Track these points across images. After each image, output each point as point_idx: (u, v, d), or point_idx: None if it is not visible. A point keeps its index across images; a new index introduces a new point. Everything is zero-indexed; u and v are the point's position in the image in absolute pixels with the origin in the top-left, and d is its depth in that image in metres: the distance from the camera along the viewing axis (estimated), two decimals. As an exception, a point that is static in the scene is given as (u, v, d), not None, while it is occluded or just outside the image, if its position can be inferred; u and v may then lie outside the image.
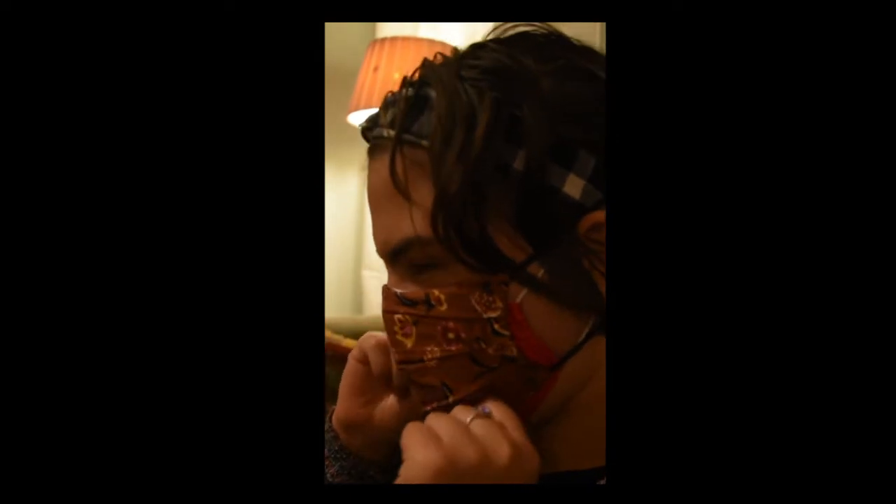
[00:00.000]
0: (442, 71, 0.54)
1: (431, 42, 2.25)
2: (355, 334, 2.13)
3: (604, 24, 0.56)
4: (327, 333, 2.01)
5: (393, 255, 0.57)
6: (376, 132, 0.57)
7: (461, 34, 2.43)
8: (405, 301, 0.55)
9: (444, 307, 0.54)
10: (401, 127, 0.54)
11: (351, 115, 2.36)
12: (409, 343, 0.55)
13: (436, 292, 0.54)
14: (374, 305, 2.63)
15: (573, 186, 0.53)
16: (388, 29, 2.59)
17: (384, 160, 0.55)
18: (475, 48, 0.56)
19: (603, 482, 0.55)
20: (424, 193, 0.53)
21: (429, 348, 0.55)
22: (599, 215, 0.53)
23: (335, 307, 2.65)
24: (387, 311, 0.57)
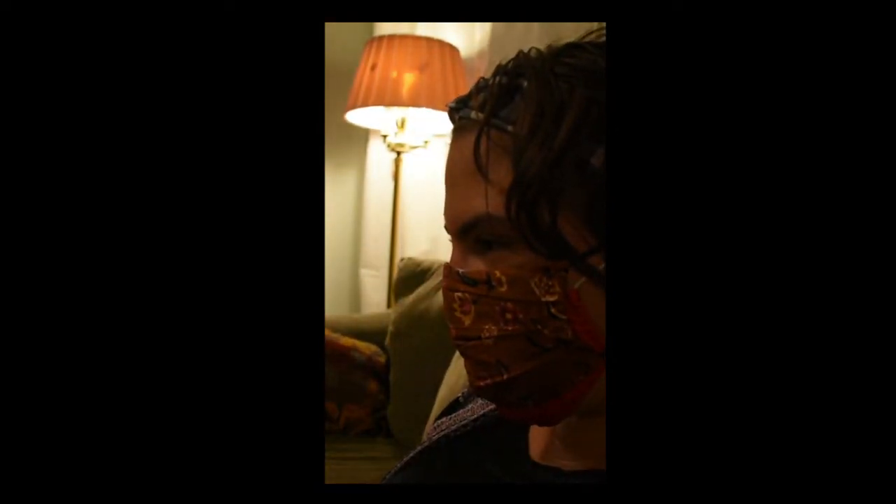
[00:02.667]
0: (537, 63, 0.56)
1: (429, 40, 2.25)
2: (353, 333, 2.14)
3: (603, 24, 0.56)
4: (325, 332, 2.01)
5: (462, 230, 0.58)
6: (463, 113, 0.59)
7: (459, 33, 2.43)
8: (466, 280, 0.57)
9: (505, 288, 0.55)
10: (490, 110, 0.56)
11: (349, 114, 2.36)
12: (467, 320, 0.57)
13: (497, 273, 0.55)
14: (371, 304, 2.63)
15: None
16: (385, 27, 2.59)
17: (468, 140, 0.57)
18: (570, 47, 0.57)
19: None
20: (502, 175, 0.55)
21: (486, 326, 0.56)
22: None
23: (333, 305, 2.65)
24: (447, 289, 0.58)
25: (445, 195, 0.60)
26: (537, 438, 0.64)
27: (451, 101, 0.60)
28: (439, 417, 0.74)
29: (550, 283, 0.54)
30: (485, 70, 2.22)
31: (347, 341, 2.06)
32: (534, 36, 2.07)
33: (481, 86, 0.59)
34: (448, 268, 0.59)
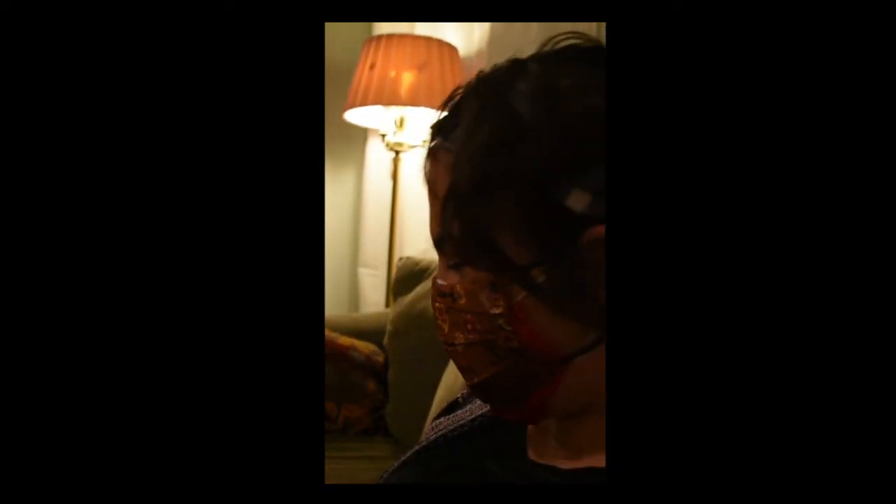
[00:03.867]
0: (481, 86, 0.59)
1: (428, 39, 2.25)
2: (352, 332, 2.13)
3: (603, 24, 0.57)
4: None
5: (436, 248, 0.62)
6: (430, 136, 0.62)
7: (458, 33, 2.43)
8: (439, 292, 0.60)
9: (463, 301, 0.58)
10: (437, 133, 0.60)
11: (347, 113, 2.36)
12: (445, 328, 0.61)
13: (458, 287, 0.59)
14: (370, 303, 2.63)
15: (577, 200, 0.55)
16: (384, 26, 2.59)
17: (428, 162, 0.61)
18: (517, 66, 0.59)
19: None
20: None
21: (457, 335, 0.60)
22: (600, 230, 0.55)
23: (332, 304, 2.65)
24: (432, 299, 0.62)
25: None
26: (535, 438, 0.65)
27: (431, 125, 0.63)
28: (437, 417, 0.74)
29: (496, 296, 0.57)
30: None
31: (346, 340, 2.06)
32: (532, 35, 2.07)
33: (445, 108, 0.62)
34: (433, 279, 0.62)
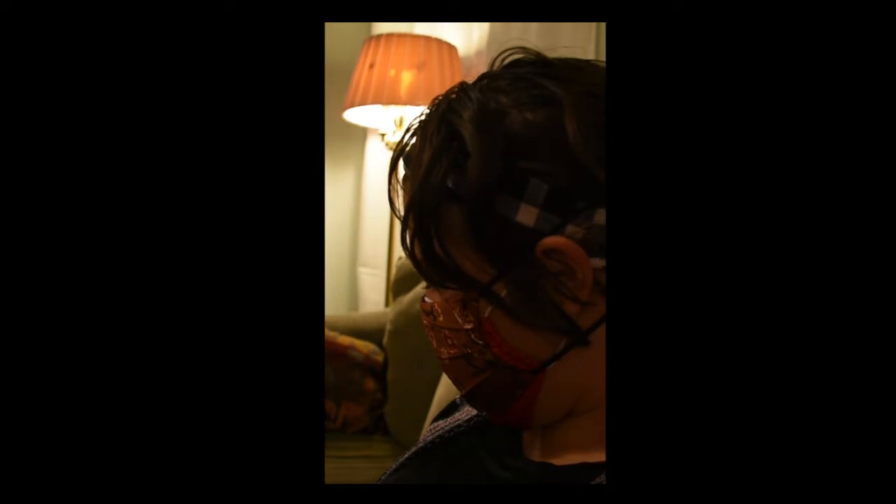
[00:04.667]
0: (433, 114, 0.60)
1: (427, 39, 2.25)
2: (351, 331, 2.14)
3: (603, 24, 0.57)
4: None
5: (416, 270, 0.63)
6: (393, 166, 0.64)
7: (457, 32, 2.43)
8: (424, 310, 0.63)
9: (441, 318, 0.61)
10: (397, 159, 0.62)
11: (347, 113, 2.36)
12: (434, 343, 0.63)
13: (436, 305, 0.61)
14: (369, 302, 2.63)
15: (526, 215, 0.56)
16: (383, 25, 2.59)
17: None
18: (463, 91, 0.60)
19: (600, 479, 0.55)
20: None
21: (442, 350, 0.62)
22: (555, 240, 0.56)
23: (331, 304, 2.65)
24: (423, 316, 0.64)
25: None
26: (530, 437, 0.65)
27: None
28: (436, 420, 0.74)
29: (466, 313, 0.59)
30: (483, 69, 2.20)
31: (345, 340, 2.06)
32: (532, 35, 2.07)
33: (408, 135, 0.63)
34: (423, 296, 0.64)
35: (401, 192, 0.62)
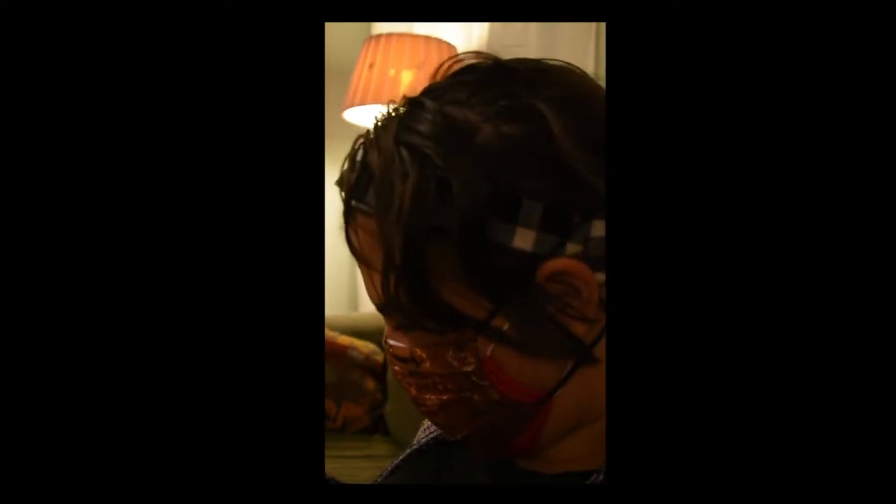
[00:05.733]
0: (381, 135, 0.53)
1: (427, 38, 2.25)
2: (351, 331, 2.14)
3: (603, 24, 0.56)
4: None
5: (379, 311, 0.58)
6: (343, 196, 0.57)
7: (457, 31, 2.43)
8: (396, 357, 0.57)
9: (427, 364, 0.55)
10: (349, 196, 0.55)
11: (346, 112, 2.36)
12: (413, 390, 0.58)
13: (418, 351, 0.55)
14: (369, 302, 2.63)
15: (523, 239, 0.51)
16: (383, 25, 2.58)
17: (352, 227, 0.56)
18: (414, 106, 0.54)
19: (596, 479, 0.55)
20: (379, 260, 0.54)
21: (427, 396, 0.57)
22: (559, 263, 0.51)
23: (331, 304, 2.65)
24: (388, 360, 0.59)
25: None
26: None
27: (336, 182, 0.58)
28: None
29: (463, 354, 0.53)
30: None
31: (345, 340, 2.06)
32: (531, 35, 2.07)
33: (349, 166, 0.56)
34: (384, 341, 0.59)
35: (359, 233, 0.55)
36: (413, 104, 0.54)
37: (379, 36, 2.28)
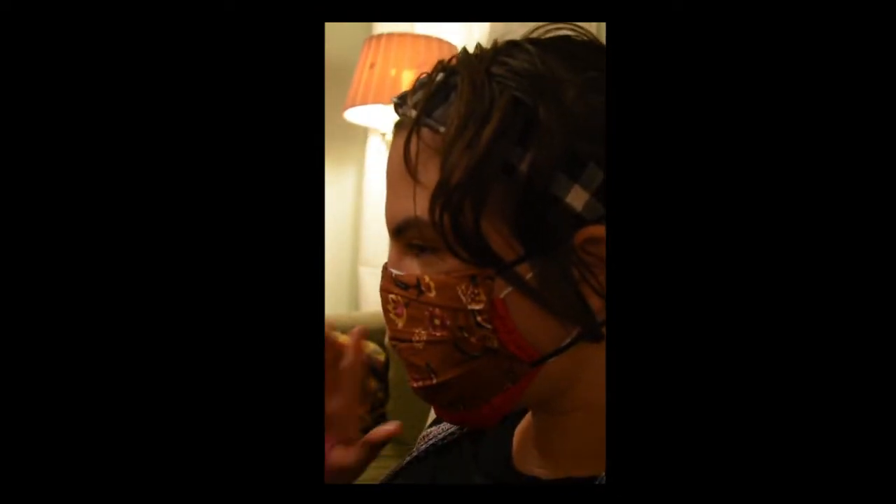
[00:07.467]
0: (473, 63, 0.55)
1: (428, 38, 2.25)
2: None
3: (603, 24, 0.56)
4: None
5: (395, 231, 0.58)
6: (403, 110, 0.57)
7: (458, 31, 2.43)
8: (399, 283, 0.57)
9: (433, 294, 0.55)
10: (423, 110, 0.55)
11: (347, 112, 2.36)
12: (400, 323, 0.57)
13: (426, 278, 0.55)
14: (370, 301, 2.63)
15: (576, 198, 0.53)
16: (384, 25, 2.58)
17: (404, 138, 0.56)
18: (510, 46, 0.56)
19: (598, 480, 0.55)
20: (432, 177, 0.54)
21: (416, 331, 0.56)
22: (597, 230, 0.53)
23: (332, 303, 2.65)
24: (383, 290, 0.59)
25: (386, 192, 0.59)
26: (519, 446, 0.63)
27: (396, 96, 0.59)
28: (429, 426, 0.73)
29: (476, 291, 0.54)
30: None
31: (345, 339, 2.06)
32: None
33: (422, 81, 0.57)
34: (385, 268, 0.59)
35: (418, 144, 0.55)
36: (511, 44, 0.56)
37: (380, 36, 2.28)
